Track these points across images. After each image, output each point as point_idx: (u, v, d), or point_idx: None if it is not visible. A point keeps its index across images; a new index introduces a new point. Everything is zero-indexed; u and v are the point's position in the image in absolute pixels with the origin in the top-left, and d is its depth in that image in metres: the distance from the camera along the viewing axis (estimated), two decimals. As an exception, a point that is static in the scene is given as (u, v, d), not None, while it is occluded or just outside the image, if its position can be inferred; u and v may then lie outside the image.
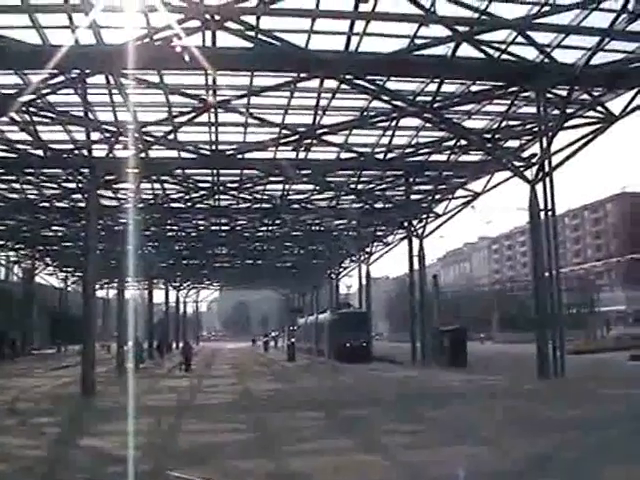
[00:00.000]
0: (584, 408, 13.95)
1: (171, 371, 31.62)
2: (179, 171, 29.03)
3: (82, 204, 30.53)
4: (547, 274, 21.33)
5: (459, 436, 11.35)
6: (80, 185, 27.95)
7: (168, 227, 42.46)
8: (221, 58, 17.92)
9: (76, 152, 25.08)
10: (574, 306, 59.79)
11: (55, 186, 30.44)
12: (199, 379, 27.35)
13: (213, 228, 43.06)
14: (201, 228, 42.75)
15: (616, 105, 22.28)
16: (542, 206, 21.57)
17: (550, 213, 21.56)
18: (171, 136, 23.78)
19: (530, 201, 21.96)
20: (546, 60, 19.49)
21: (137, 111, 22.73)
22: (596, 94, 22.34)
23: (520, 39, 18.63)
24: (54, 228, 42.56)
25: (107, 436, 12.07)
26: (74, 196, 31.27)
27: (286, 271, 64.92)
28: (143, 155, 24.91)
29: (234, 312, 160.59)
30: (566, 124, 22.95)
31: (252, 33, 17.20)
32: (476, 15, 17.37)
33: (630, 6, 17.11)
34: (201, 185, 30.98)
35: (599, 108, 22.44)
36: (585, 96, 22.45)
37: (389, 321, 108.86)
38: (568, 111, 22.52)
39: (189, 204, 33.70)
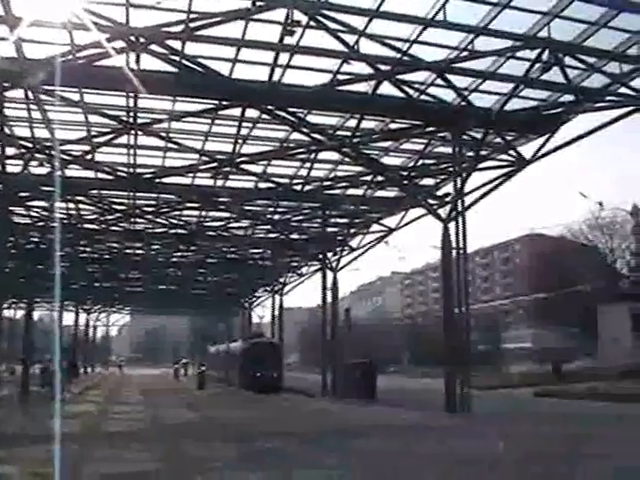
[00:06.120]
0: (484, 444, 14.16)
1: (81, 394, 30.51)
2: (94, 192, 28.51)
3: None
4: (457, 310, 21.70)
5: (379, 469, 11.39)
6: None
7: (81, 248, 41.52)
8: (144, 81, 17.80)
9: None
10: (482, 343, 61.14)
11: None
12: (107, 405, 26.71)
13: (127, 251, 42.32)
14: (115, 251, 41.96)
15: (528, 150, 23.13)
16: (454, 244, 21.99)
17: (462, 251, 22.00)
18: (89, 156, 23.41)
19: (443, 239, 22.36)
20: (463, 103, 20.11)
21: (55, 129, 22.29)
22: (509, 138, 23.10)
23: (439, 81, 19.17)
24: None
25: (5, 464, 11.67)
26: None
27: (200, 298, 64.22)
28: (59, 173, 24.39)
29: (146, 338, 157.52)
30: (480, 165, 23.62)
31: (176, 58, 17.19)
32: (398, 55, 17.82)
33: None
34: (117, 207, 30.50)
35: (511, 152, 23.18)
36: (499, 140, 23.20)
37: (301, 352, 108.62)
38: (482, 153, 23.18)
39: (103, 226, 33.11)
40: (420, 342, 78.01)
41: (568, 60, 18.19)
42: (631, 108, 19.86)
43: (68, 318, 68.25)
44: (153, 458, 12.78)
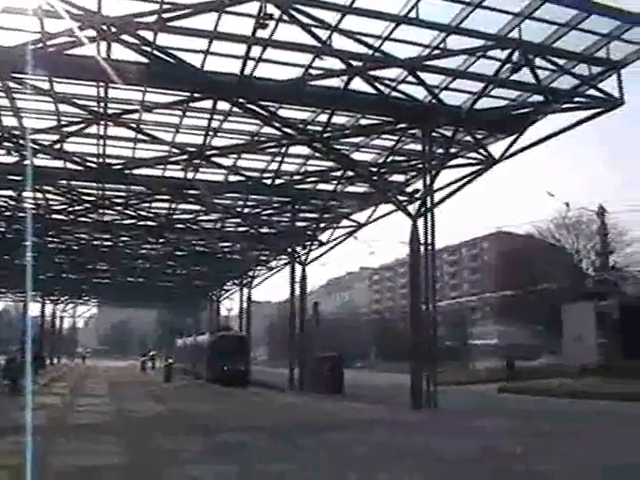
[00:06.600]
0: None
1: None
2: (63, 182, 28.25)
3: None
4: (424, 307, 21.83)
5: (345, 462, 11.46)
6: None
7: (48, 239, 41.11)
8: (115, 70, 17.67)
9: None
10: (450, 339, 61.61)
11: None
12: (73, 398, 26.50)
13: (95, 243, 41.97)
14: (83, 242, 41.58)
15: (497, 149, 23.38)
16: (423, 240, 22.10)
17: (430, 247, 22.12)
18: (58, 145, 23.18)
19: (411, 235, 22.46)
20: (434, 101, 20.26)
21: (24, 117, 22.03)
22: (479, 137, 23.34)
23: (411, 79, 19.30)
24: None
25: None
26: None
27: (168, 291, 63.95)
28: (27, 162, 24.12)
29: (113, 330, 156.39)
30: (449, 163, 23.82)
31: (148, 48, 17.09)
32: (370, 52, 17.91)
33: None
34: (85, 198, 30.23)
35: (481, 150, 23.43)
36: (468, 138, 23.40)
37: (269, 345, 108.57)
38: (452, 151, 23.38)
39: (72, 217, 32.81)
40: (387, 337, 78.40)
41: (538, 61, 18.47)
42: (599, 110, 20.17)
43: (34, 309, 67.86)
44: (122, 451, 12.68)
